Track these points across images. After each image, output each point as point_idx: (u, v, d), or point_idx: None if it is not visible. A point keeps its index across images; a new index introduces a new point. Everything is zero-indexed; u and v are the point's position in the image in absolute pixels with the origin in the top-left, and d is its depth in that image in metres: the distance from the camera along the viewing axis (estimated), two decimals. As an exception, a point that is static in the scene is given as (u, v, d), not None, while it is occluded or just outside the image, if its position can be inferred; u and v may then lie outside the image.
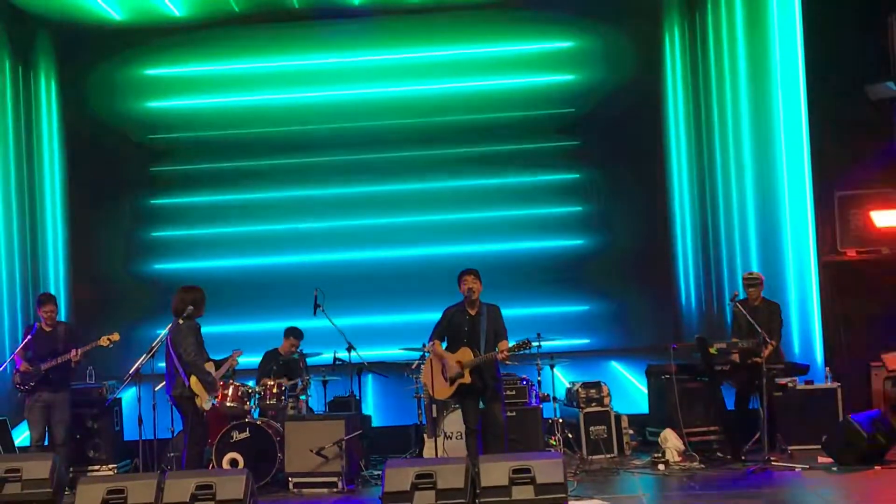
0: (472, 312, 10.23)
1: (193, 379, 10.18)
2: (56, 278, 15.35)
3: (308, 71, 16.15)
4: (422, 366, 10.93)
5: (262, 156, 15.99)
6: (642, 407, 12.59)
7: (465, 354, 10.12)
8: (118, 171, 16.11)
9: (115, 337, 10.97)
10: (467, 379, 10.08)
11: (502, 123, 15.81)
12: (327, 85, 16.07)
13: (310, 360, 12.26)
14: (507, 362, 10.29)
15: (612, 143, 15.64)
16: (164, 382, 10.43)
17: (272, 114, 16.05)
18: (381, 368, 12.21)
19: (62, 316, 13.49)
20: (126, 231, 16.26)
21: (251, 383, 11.53)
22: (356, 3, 15.29)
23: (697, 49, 14.90)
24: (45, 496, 9.89)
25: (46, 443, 11.15)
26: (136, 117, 16.17)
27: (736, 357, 10.94)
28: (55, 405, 11.10)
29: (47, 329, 11.16)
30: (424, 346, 10.75)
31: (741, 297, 11.17)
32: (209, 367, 10.46)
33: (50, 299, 11.42)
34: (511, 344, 10.05)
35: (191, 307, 10.28)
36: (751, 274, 11.40)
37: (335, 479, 10.55)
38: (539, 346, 11.30)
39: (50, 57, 15.70)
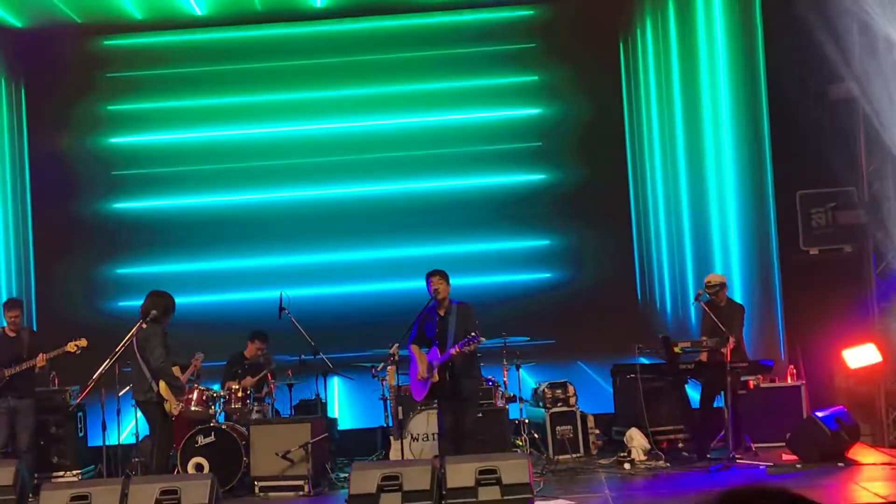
0: (441, 313, 10.27)
1: (162, 384, 10.13)
2: (19, 278, 15.20)
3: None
4: (388, 367, 10.94)
5: (234, 156, 15.81)
6: (608, 406, 12.63)
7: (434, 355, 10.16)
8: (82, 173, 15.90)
9: (83, 342, 10.86)
10: (435, 378, 10.10)
11: (465, 120, 15.76)
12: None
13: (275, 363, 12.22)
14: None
15: (577, 150, 15.64)
16: (128, 387, 10.38)
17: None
18: (347, 371, 12.20)
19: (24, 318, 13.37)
20: (91, 229, 16.01)
21: (215, 387, 11.48)
22: (319, 5, 15.24)
23: (661, 51, 14.96)
24: (8, 503, 9.84)
25: (11, 449, 11.06)
26: (100, 118, 15.98)
27: (704, 356, 11.00)
28: (20, 411, 11.01)
29: (11, 335, 11.06)
30: (391, 346, 10.72)
31: (705, 297, 11.22)
32: (176, 371, 10.44)
33: (16, 304, 11.31)
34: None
35: (155, 311, 10.23)
36: (708, 280, 11.40)
37: (301, 482, 10.52)
38: (505, 347, 11.37)
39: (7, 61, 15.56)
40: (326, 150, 15.60)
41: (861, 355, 11.61)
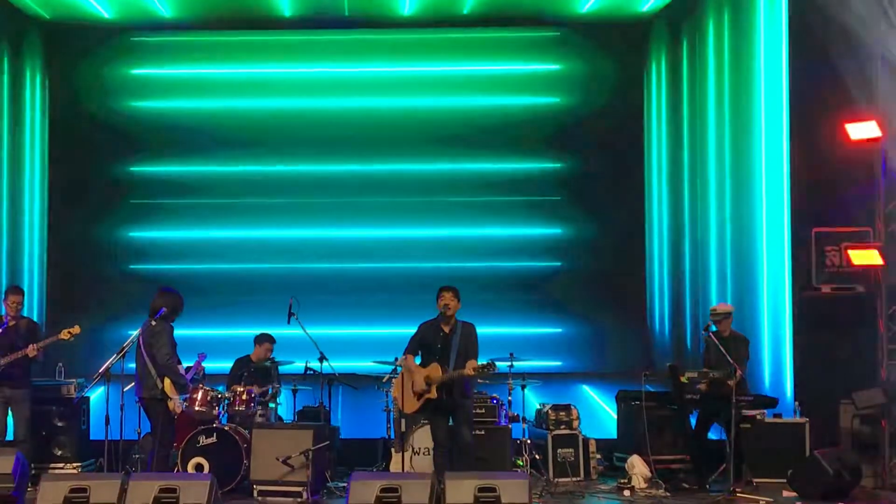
0: (447, 330, 10.25)
1: (167, 382, 10.15)
2: (30, 271, 15.27)
3: (294, 79, 16.16)
4: (393, 379, 10.93)
5: (246, 160, 15.95)
6: (611, 432, 12.61)
7: (435, 371, 10.14)
8: (100, 167, 16.03)
9: (76, 330, 10.81)
10: (433, 395, 10.11)
11: (486, 140, 15.85)
12: (312, 94, 16.11)
13: (281, 369, 12.21)
14: (479, 381, 10.34)
15: (592, 169, 15.69)
16: (133, 383, 10.38)
17: (258, 119, 16.01)
18: (352, 380, 12.18)
19: (34, 311, 13.38)
20: (104, 229, 16.17)
21: (220, 388, 11.48)
22: (347, 15, 15.32)
23: (681, 80, 15.00)
24: (6, 491, 9.85)
25: (9, 438, 11.06)
26: (122, 115, 16.12)
27: (704, 387, 10.99)
28: (16, 401, 10.97)
29: (10, 323, 11.04)
30: (396, 359, 10.74)
31: (714, 328, 11.20)
32: (179, 370, 10.46)
33: (17, 291, 11.27)
34: (478, 363, 10.06)
35: (164, 309, 10.26)
36: (714, 310, 11.36)
37: (300, 488, 10.50)
38: (511, 367, 11.34)
39: (38, 52, 15.65)
40: (345, 156, 15.74)
41: (868, 396, 11.57)
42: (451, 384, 10.12)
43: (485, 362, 10.01)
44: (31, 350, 10.81)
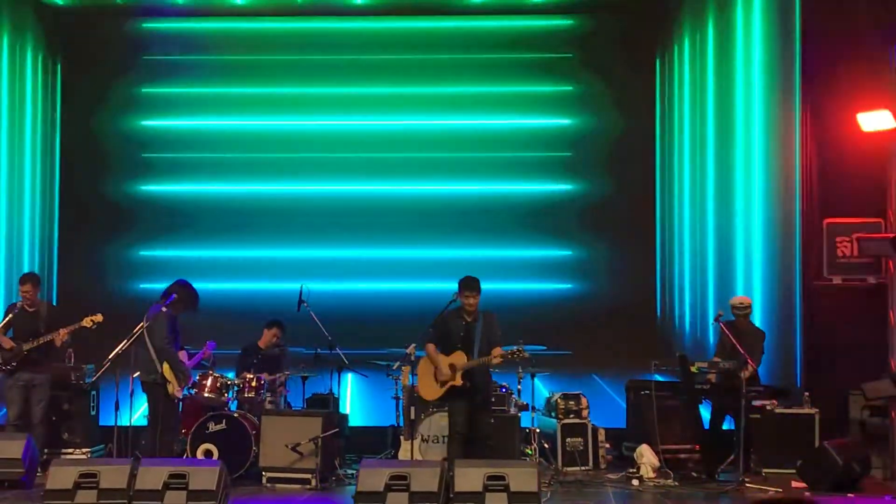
0: (469, 319, 10.28)
1: (166, 365, 10.20)
2: (44, 258, 15.27)
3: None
4: (402, 366, 10.93)
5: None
6: (620, 421, 12.60)
7: (459, 358, 10.18)
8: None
9: (98, 318, 10.85)
10: (458, 382, 10.14)
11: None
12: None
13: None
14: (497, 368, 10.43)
15: (606, 163, 15.58)
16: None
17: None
18: (361, 367, 12.20)
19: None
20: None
21: (230, 375, 11.50)
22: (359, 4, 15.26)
23: (696, 69, 14.92)
24: (16, 476, 9.90)
25: (24, 422, 11.09)
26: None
27: (712, 377, 10.98)
28: (35, 385, 11.02)
29: (30, 310, 11.08)
30: (408, 346, 10.71)
31: (726, 317, 11.17)
32: (182, 356, 10.50)
33: (29, 279, 11.28)
34: (504, 350, 10.10)
35: (174, 296, 10.30)
36: (741, 302, 11.31)
37: (309, 475, 10.53)
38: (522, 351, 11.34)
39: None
40: (355, 147, 15.57)
41: (878, 388, 11.55)
42: (475, 371, 10.15)
43: (512, 349, 10.06)
44: (63, 335, 10.85)
